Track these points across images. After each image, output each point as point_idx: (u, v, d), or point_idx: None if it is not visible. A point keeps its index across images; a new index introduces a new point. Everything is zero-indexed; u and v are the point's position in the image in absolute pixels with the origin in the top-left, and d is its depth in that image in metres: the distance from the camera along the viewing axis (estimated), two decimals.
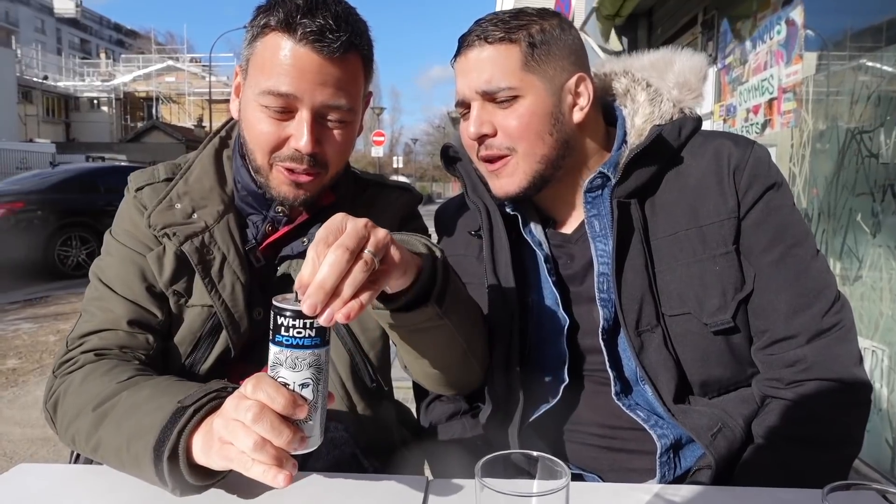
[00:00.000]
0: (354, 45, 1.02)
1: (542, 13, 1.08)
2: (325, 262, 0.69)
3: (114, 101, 43.42)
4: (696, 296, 1.02)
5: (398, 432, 1.24)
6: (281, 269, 1.15)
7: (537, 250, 1.13)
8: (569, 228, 1.15)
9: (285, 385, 0.72)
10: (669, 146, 1.06)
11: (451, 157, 1.24)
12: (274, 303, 0.71)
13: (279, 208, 1.13)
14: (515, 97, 1.03)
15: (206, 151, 1.18)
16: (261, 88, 1.00)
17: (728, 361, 1.04)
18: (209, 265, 1.09)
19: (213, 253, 1.09)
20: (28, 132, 37.53)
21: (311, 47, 0.97)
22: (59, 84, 43.53)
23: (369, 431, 1.15)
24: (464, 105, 1.09)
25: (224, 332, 1.10)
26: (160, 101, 42.77)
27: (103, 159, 31.56)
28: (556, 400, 1.09)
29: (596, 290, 1.07)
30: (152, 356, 1.08)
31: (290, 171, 1.04)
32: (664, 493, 0.86)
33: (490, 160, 1.07)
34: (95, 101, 44.15)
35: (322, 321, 0.69)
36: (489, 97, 1.04)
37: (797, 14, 3.38)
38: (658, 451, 1.03)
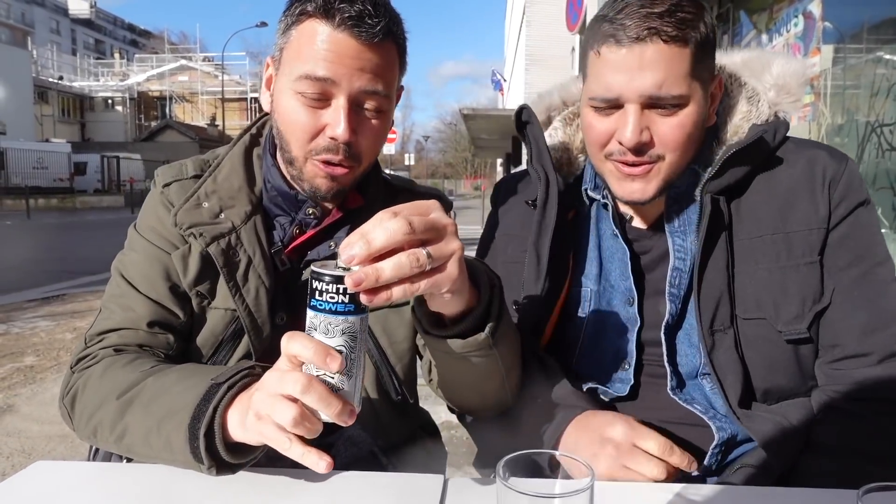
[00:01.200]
0: (392, 33, 1.01)
1: (696, 2, 0.98)
2: (383, 226, 0.67)
3: (128, 101, 43.84)
4: (774, 302, 1.01)
5: (419, 437, 1.24)
6: (306, 274, 1.13)
7: (622, 243, 1.10)
8: (644, 222, 1.12)
9: None
10: (766, 148, 1.04)
11: (522, 121, 1.20)
12: (312, 267, 0.71)
13: (310, 211, 1.11)
14: (680, 106, 0.96)
15: (237, 149, 1.16)
16: (297, 74, 0.98)
17: (793, 371, 1.03)
18: (234, 268, 1.07)
19: (238, 255, 1.07)
20: (44, 132, 37.98)
21: (350, 32, 0.96)
22: (75, 84, 44.03)
23: (391, 436, 1.15)
24: (612, 102, 0.99)
25: (246, 337, 1.09)
26: (173, 101, 43.09)
27: (118, 158, 31.90)
28: (623, 391, 1.08)
29: (667, 284, 1.06)
30: (172, 356, 1.07)
31: (326, 163, 1.02)
32: (686, 492, 0.84)
33: (633, 164, 1.01)
34: (110, 101, 44.59)
35: (351, 285, 0.66)
36: (653, 103, 0.96)
37: (815, 6, 3.34)
38: (714, 442, 1.02)
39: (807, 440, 1.01)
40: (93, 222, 18.40)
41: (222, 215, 1.09)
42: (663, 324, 1.06)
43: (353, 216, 1.14)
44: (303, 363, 0.72)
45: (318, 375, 0.71)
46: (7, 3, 49.84)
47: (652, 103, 0.97)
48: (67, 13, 57.95)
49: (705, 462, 1.03)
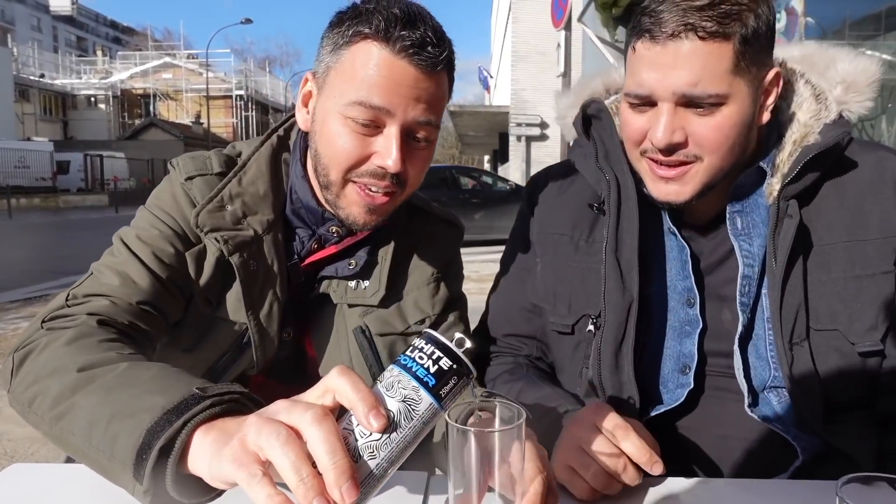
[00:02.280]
0: (449, 62, 0.97)
1: None
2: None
3: (111, 99, 43.36)
4: (847, 313, 0.96)
5: None
6: (322, 289, 1.11)
7: (681, 240, 1.04)
8: (700, 220, 1.06)
9: None
10: (838, 150, 0.98)
11: (587, 117, 1.13)
12: (429, 330, 0.62)
13: (333, 229, 1.07)
14: (718, 105, 0.91)
15: (263, 151, 1.10)
16: (349, 99, 0.93)
17: (864, 385, 0.99)
18: (253, 280, 1.03)
19: (257, 266, 1.04)
20: (26, 131, 37.48)
21: (410, 60, 0.92)
22: (56, 82, 43.46)
23: None
24: (645, 99, 0.94)
25: (250, 349, 1.06)
26: (157, 98, 42.69)
27: (101, 157, 31.56)
28: (676, 405, 1.03)
29: (738, 293, 1.00)
30: (154, 350, 1.01)
31: (367, 189, 0.98)
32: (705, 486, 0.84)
33: (668, 165, 0.96)
34: (93, 99, 44.08)
35: None
36: (688, 102, 0.91)
37: (797, 2, 3.36)
38: (796, 462, 0.99)
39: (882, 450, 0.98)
40: (76, 222, 18.17)
41: (245, 221, 1.04)
42: (736, 336, 1.01)
43: (375, 236, 1.11)
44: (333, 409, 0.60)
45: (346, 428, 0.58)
46: None
47: (687, 102, 0.91)
48: (48, 10, 57.11)
49: (785, 476, 0.99)
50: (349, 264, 1.09)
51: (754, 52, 0.91)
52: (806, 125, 1.01)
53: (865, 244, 0.97)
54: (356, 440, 0.57)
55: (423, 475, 0.87)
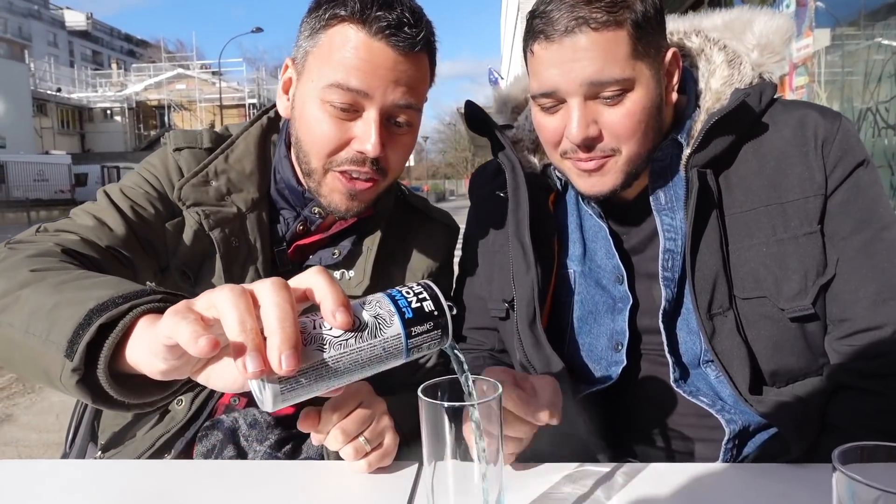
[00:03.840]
0: (428, 43, 0.96)
1: None
2: (329, 426, 0.81)
3: (126, 111, 43.92)
4: (773, 278, 0.94)
5: None
6: None
7: (600, 221, 1.05)
8: (623, 198, 1.05)
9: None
10: (751, 113, 0.97)
11: (476, 119, 1.13)
12: (434, 287, 0.60)
13: (315, 210, 1.06)
14: (625, 91, 0.91)
15: (253, 130, 1.10)
16: (326, 82, 0.92)
17: (801, 350, 0.96)
18: (234, 257, 1.02)
19: (239, 243, 1.02)
20: (44, 144, 38.07)
21: (387, 41, 0.91)
22: (73, 96, 44.11)
23: None
24: (553, 97, 0.94)
25: None
26: (172, 109, 43.16)
27: (118, 168, 31.98)
28: (611, 382, 1.03)
29: (660, 268, 0.99)
30: None
31: (348, 175, 0.97)
32: (691, 471, 0.81)
33: (587, 160, 0.96)
34: (109, 112, 44.66)
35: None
36: (594, 92, 0.91)
37: None
38: (725, 437, 0.96)
39: (822, 422, 0.95)
40: None
41: (228, 198, 1.04)
42: (660, 311, 1.00)
43: (361, 226, 1.10)
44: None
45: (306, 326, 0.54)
46: (4, 17, 50.03)
47: (594, 93, 0.91)
48: (64, 25, 58.10)
49: (720, 458, 0.97)
50: (333, 253, 1.08)
51: (648, 35, 0.92)
52: (717, 92, 1.00)
53: (785, 206, 0.95)
54: (313, 328, 0.54)
55: (414, 465, 0.87)
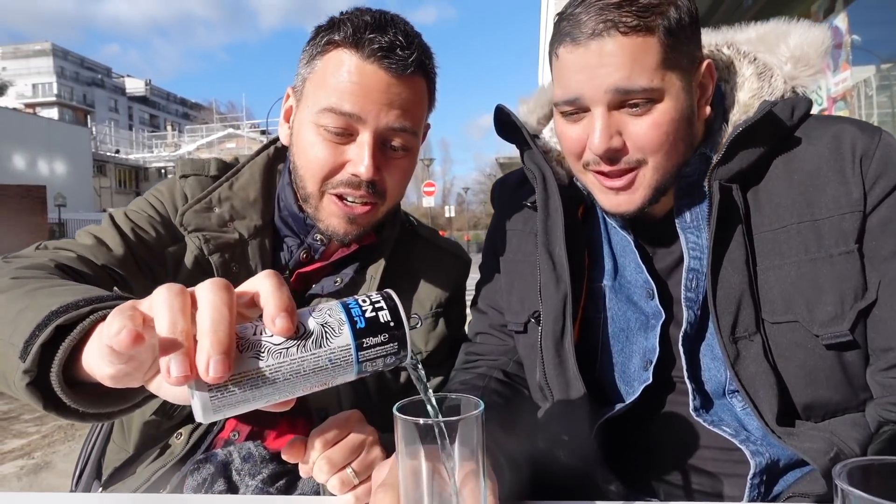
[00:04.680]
0: (423, 66, 0.96)
1: None
2: (315, 456, 0.76)
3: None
4: (806, 301, 0.87)
5: None
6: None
7: (625, 234, 0.99)
8: (652, 217, 1.00)
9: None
10: (781, 126, 0.91)
11: (505, 122, 1.09)
12: (391, 292, 0.57)
13: (318, 236, 1.05)
14: (654, 101, 0.86)
15: (259, 159, 1.11)
16: (320, 106, 0.93)
17: (839, 382, 0.88)
18: (233, 283, 1.02)
19: (239, 270, 1.02)
20: (102, 203, 39.89)
21: (379, 64, 0.91)
22: (130, 156, 46.39)
23: None
24: (577, 106, 0.90)
25: None
26: None
27: None
28: (633, 399, 0.96)
29: (682, 288, 0.93)
30: None
31: (343, 199, 0.96)
32: None
33: (611, 175, 0.91)
34: (163, 171, 46.68)
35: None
36: (620, 102, 0.87)
37: (840, 20, 3.24)
38: (751, 472, 0.88)
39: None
40: None
41: (231, 225, 1.04)
42: (680, 334, 0.93)
43: (364, 254, 1.08)
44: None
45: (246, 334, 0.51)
46: (70, 86, 53.45)
47: (620, 102, 0.87)
48: (125, 92, 61.73)
49: (745, 496, 0.88)
50: (335, 281, 1.06)
51: (681, 44, 0.87)
52: (745, 105, 0.95)
53: (818, 224, 0.87)
54: (252, 334, 0.50)
55: None
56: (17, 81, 50.96)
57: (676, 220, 0.95)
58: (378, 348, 0.53)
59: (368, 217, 0.98)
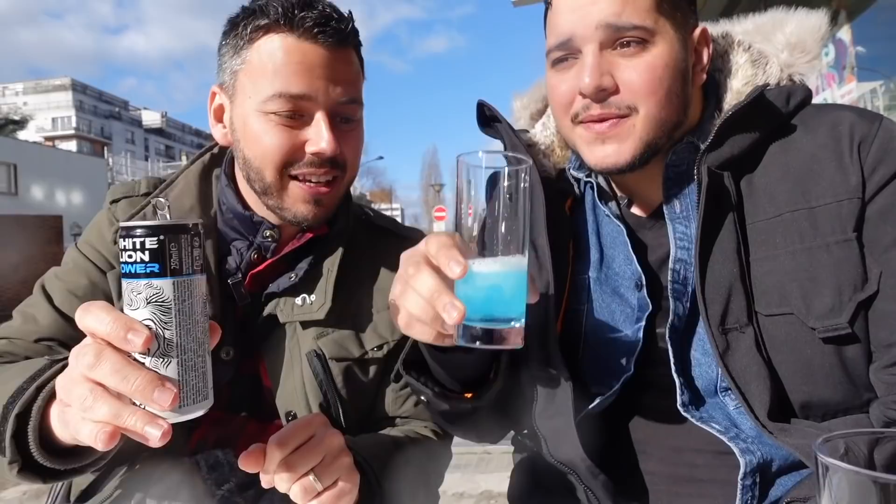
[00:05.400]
0: (354, 37, 0.97)
1: None
2: (273, 463, 0.74)
3: None
4: (801, 292, 0.83)
5: None
6: (267, 309, 1.05)
7: (617, 222, 0.97)
8: (644, 210, 0.99)
9: None
10: (775, 112, 0.89)
11: (487, 117, 1.07)
12: (121, 223, 0.60)
13: (267, 233, 1.03)
14: (645, 42, 0.85)
15: (194, 167, 1.10)
16: (266, 94, 0.92)
17: (839, 379, 0.83)
18: None
19: None
20: None
21: (315, 40, 0.91)
22: None
23: None
24: (568, 48, 0.88)
25: None
26: None
27: None
28: (614, 391, 0.92)
29: (669, 279, 0.90)
30: None
31: (308, 181, 0.95)
32: None
33: (601, 120, 0.88)
34: None
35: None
36: (612, 40, 0.85)
37: (844, 33, 3.22)
38: (741, 472, 0.83)
39: (869, 466, 0.81)
40: None
41: None
42: (667, 326, 0.89)
43: (316, 246, 1.06)
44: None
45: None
46: (89, 119, 54.57)
47: (612, 40, 0.85)
48: (141, 124, 62.91)
49: (738, 500, 0.83)
50: (290, 277, 1.04)
51: None
52: (738, 92, 0.93)
53: (815, 211, 0.84)
54: (148, 357, 0.56)
55: None
56: (37, 115, 52.15)
57: (665, 210, 0.92)
58: (180, 255, 0.56)
59: (333, 196, 0.98)
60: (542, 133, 1.09)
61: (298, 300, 1.04)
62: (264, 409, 1.04)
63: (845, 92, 3.20)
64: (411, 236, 1.17)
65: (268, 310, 1.04)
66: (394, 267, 1.10)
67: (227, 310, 1.02)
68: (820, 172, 0.85)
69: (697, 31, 0.92)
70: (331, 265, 1.05)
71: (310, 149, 0.93)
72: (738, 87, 0.93)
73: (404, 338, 1.07)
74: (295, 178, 0.95)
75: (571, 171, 1.03)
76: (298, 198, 0.96)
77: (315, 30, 0.90)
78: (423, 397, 0.90)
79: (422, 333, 0.73)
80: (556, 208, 1.00)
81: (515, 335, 0.68)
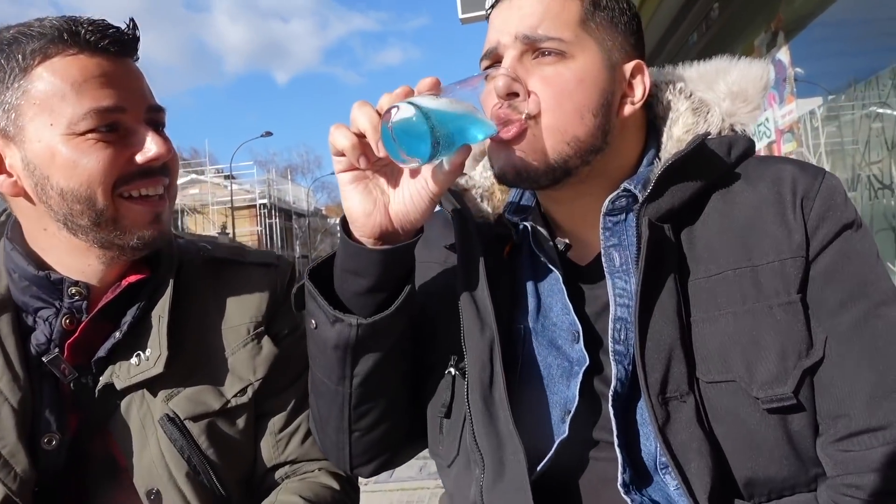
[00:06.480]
0: (137, 44, 0.93)
1: None
2: None
3: None
4: (744, 358, 0.78)
5: None
6: (102, 379, 0.93)
7: (554, 269, 0.91)
8: (582, 258, 0.94)
9: None
10: (717, 163, 0.86)
11: None
12: None
13: (72, 290, 0.92)
14: (562, 55, 0.84)
15: None
16: (74, 116, 0.84)
17: (785, 454, 0.78)
18: None
19: None
20: None
21: (106, 53, 0.88)
22: None
23: None
24: (492, 58, 0.89)
25: None
26: (185, 213, 44.27)
27: None
28: (550, 452, 0.85)
29: (610, 340, 0.84)
30: None
31: (145, 197, 0.90)
32: None
33: (505, 122, 0.84)
34: None
35: None
36: (531, 50, 0.85)
37: (783, 54, 3.28)
38: None
39: None
40: None
41: None
42: (610, 393, 0.82)
43: (142, 293, 0.95)
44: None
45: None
46: None
47: (531, 51, 0.84)
48: None
49: None
50: (114, 336, 0.92)
51: (606, 21, 0.87)
52: (678, 140, 0.89)
53: (758, 270, 0.79)
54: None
55: None
56: None
57: (604, 263, 0.86)
58: None
59: (167, 209, 0.93)
60: (482, 175, 1.03)
61: (133, 360, 0.93)
62: (124, 492, 0.93)
63: (786, 112, 3.26)
64: (262, 261, 1.08)
65: (103, 379, 0.93)
66: (239, 298, 1.02)
67: (43, 392, 0.90)
68: (763, 229, 0.81)
69: (632, 64, 0.89)
70: (161, 311, 0.95)
71: (141, 158, 0.87)
72: (678, 135, 0.90)
73: (269, 375, 1.00)
74: (129, 197, 0.89)
75: (507, 214, 0.98)
76: (137, 217, 0.89)
77: (102, 42, 0.86)
78: (314, 321, 0.87)
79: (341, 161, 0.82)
80: (495, 256, 0.94)
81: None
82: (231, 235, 38.03)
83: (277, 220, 43.84)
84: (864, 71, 2.74)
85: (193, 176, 45.93)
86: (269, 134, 36.01)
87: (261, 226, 43.31)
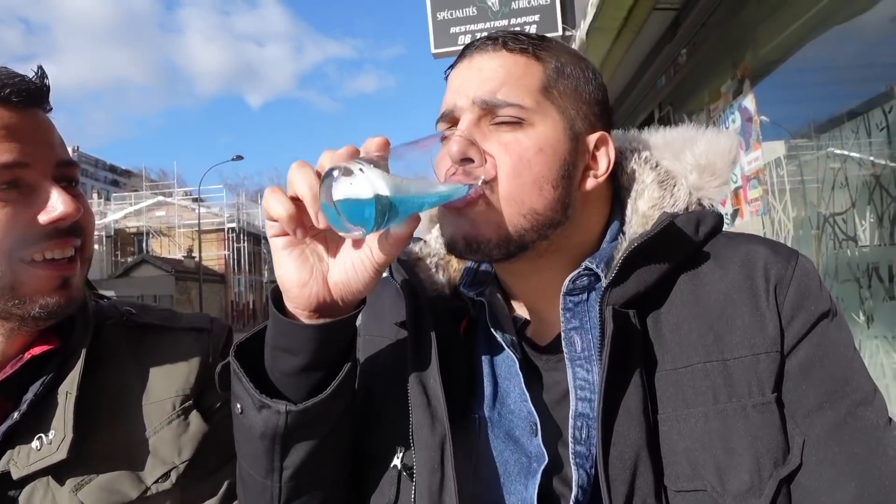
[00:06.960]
0: (48, 93, 0.86)
1: (574, 52, 0.88)
2: None
3: (104, 239, 44.03)
4: (715, 465, 0.71)
5: None
6: (2, 463, 0.82)
7: (510, 352, 0.82)
8: (543, 337, 0.86)
9: None
10: (685, 242, 0.80)
11: None
12: None
13: None
14: (521, 122, 0.78)
15: None
16: None
17: None
18: None
19: None
20: None
21: (8, 104, 0.80)
22: None
23: None
24: (449, 121, 0.83)
25: None
26: (150, 236, 43.43)
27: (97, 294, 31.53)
28: None
29: (570, 439, 0.76)
30: None
31: (50, 261, 0.81)
32: None
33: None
34: None
35: None
36: (489, 112, 0.79)
37: (749, 101, 3.32)
38: None
39: None
40: None
41: None
42: (571, 498, 0.74)
43: (47, 367, 0.85)
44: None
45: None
46: None
47: (488, 116, 0.79)
48: None
49: None
50: (12, 417, 0.82)
51: (569, 90, 0.82)
52: (644, 216, 0.83)
53: (729, 365, 0.73)
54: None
55: None
56: None
57: (564, 348, 0.79)
58: None
59: (77, 273, 0.85)
60: (437, 241, 0.94)
61: (35, 443, 0.82)
62: None
63: (752, 158, 3.28)
64: (193, 325, 0.98)
65: (0, 466, 0.82)
66: (166, 366, 0.91)
67: None
68: (734, 318, 0.75)
69: (596, 135, 0.83)
70: (69, 386, 0.84)
71: (44, 218, 0.79)
72: (643, 210, 0.84)
73: (197, 456, 0.90)
74: (31, 261, 0.80)
75: (462, 287, 0.89)
76: (41, 285, 0.80)
77: (2, 92, 0.79)
78: (239, 405, 0.76)
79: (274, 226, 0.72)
80: (450, 334, 0.85)
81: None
82: (197, 259, 37.38)
83: (246, 244, 43.28)
84: (826, 116, 2.78)
85: (160, 198, 45.22)
86: (239, 158, 35.61)
87: (228, 249, 42.69)
